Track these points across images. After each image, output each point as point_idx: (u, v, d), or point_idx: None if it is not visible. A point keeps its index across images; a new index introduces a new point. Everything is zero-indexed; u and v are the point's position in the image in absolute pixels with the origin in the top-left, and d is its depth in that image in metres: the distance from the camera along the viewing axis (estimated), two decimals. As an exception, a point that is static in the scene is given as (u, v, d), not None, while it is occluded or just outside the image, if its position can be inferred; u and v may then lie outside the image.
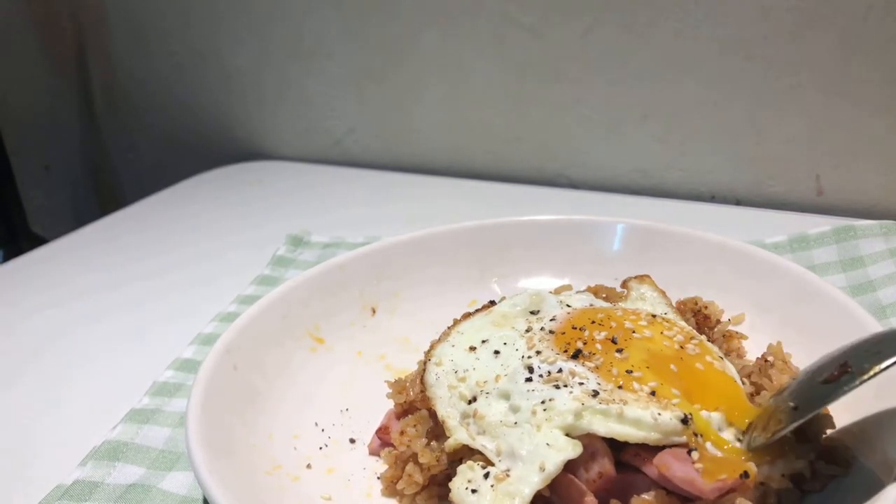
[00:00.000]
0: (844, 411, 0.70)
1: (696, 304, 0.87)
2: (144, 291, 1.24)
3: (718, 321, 0.87)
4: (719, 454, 0.63)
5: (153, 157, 2.11)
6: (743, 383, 0.73)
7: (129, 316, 1.17)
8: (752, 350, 0.83)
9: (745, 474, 0.61)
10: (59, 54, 2.09)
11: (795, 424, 0.61)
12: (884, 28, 1.16)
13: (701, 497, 0.61)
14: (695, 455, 0.62)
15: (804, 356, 0.79)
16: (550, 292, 0.90)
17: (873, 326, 0.75)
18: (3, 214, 1.94)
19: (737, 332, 0.85)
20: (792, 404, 0.62)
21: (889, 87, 1.19)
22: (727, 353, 0.80)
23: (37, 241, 1.58)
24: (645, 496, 0.62)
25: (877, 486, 0.60)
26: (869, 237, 1.01)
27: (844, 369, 0.60)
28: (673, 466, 0.62)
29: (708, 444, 0.64)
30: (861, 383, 0.58)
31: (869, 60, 1.19)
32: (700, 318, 0.86)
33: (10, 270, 1.40)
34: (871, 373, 0.58)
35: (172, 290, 1.24)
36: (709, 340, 0.80)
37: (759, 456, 0.63)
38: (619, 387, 0.68)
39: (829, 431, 0.68)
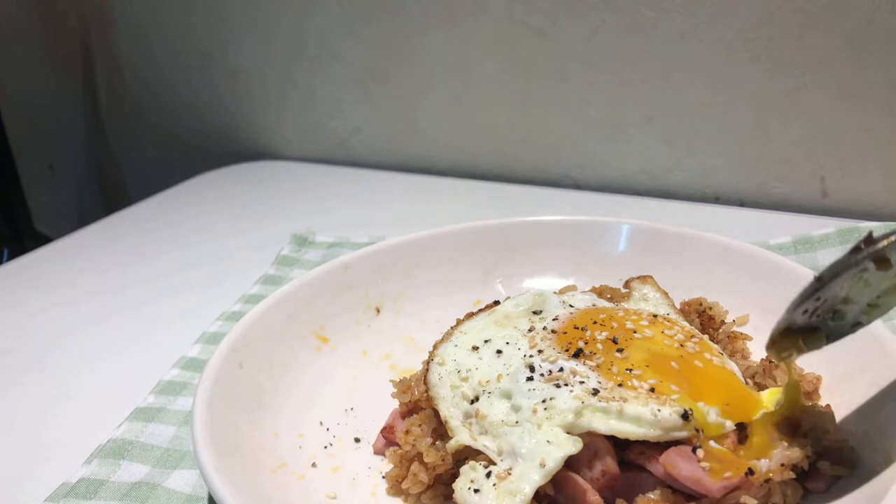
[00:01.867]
0: (849, 412, 0.71)
1: (701, 304, 0.88)
2: (149, 291, 1.25)
3: (723, 322, 0.87)
4: (722, 450, 0.63)
5: (158, 156, 2.12)
6: (747, 383, 0.73)
7: (134, 315, 1.17)
8: (757, 351, 0.83)
9: (751, 471, 0.61)
10: (64, 54, 2.09)
11: (819, 292, 0.61)
12: (889, 30, 1.16)
13: (707, 495, 0.61)
14: (700, 453, 0.62)
15: (807, 357, 0.79)
16: (554, 293, 0.90)
17: (877, 328, 0.75)
18: (7, 213, 1.95)
19: (741, 333, 0.85)
20: (817, 276, 0.61)
21: (894, 88, 1.19)
22: (732, 354, 0.80)
23: (41, 240, 1.58)
24: (650, 495, 0.63)
25: (881, 487, 0.61)
26: (874, 239, 1.01)
27: (868, 240, 0.59)
28: (679, 465, 0.62)
29: (710, 441, 0.64)
30: (886, 245, 0.58)
31: (874, 62, 1.19)
32: (704, 318, 0.86)
33: (15, 269, 1.40)
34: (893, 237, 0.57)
35: (177, 290, 1.24)
36: (713, 341, 0.80)
37: (756, 452, 0.64)
38: (620, 385, 0.68)
39: (830, 428, 0.68)
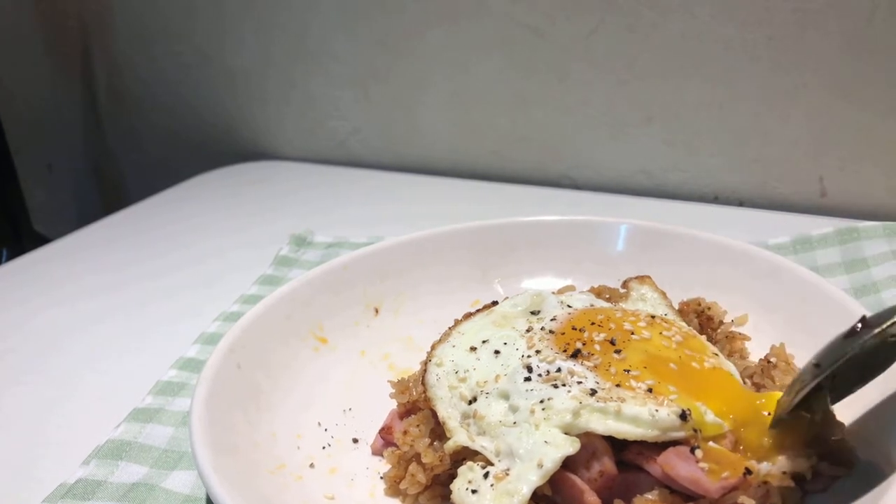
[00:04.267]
0: (848, 412, 0.70)
1: (700, 305, 0.87)
2: (147, 291, 1.24)
3: (721, 322, 0.87)
4: (721, 450, 0.63)
5: (156, 156, 2.12)
6: (745, 383, 0.73)
7: (132, 315, 1.17)
8: (756, 351, 0.83)
9: (748, 471, 0.61)
10: (63, 53, 2.09)
11: (818, 380, 0.62)
12: (888, 29, 1.16)
13: (705, 496, 0.61)
14: (698, 453, 0.62)
15: (807, 357, 0.78)
16: (553, 293, 0.90)
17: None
18: (6, 213, 1.94)
19: (740, 334, 0.85)
20: (814, 362, 0.63)
21: (893, 88, 1.19)
22: (730, 355, 0.80)
23: (40, 241, 1.57)
24: (648, 495, 0.63)
25: (880, 487, 0.60)
26: (872, 239, 1.01)
27: (864, 323, 0.61)
28: (677, 466, 0.62)
29: (709, 442, 0.64)
30: (881, 331, 0.60)
31: (874, 62, 1.19)
32: (703, 319, 0.86)
33: (13, 269, 1.40)
34: (889, 322, 0.60)
35: (175, 290, 1.24)
36: (712, 341, 0.80)
37: (760, 453, 0.64)
38: (617, 385, 0.68)
39: (832, 432, 0.68)
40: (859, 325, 0.61)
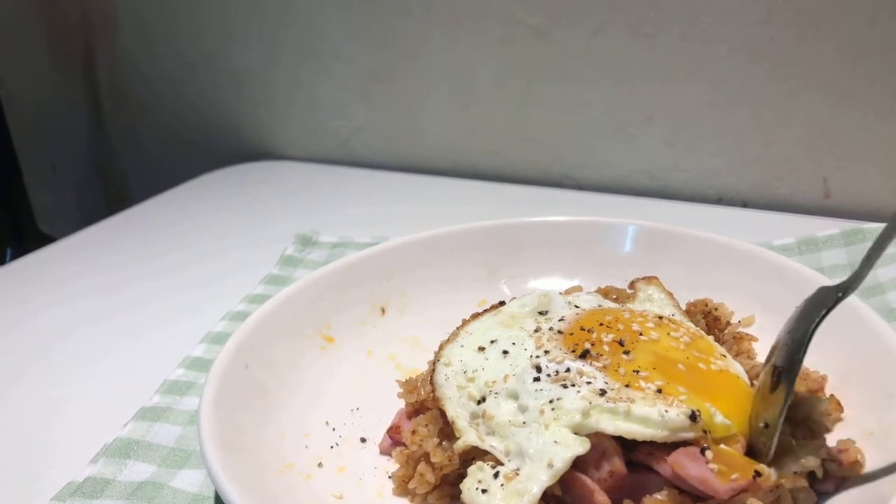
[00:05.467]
0: (854, 412, 0.71)
1: (706, 305, 0.88)
2: (153, 290, 1.25)
3: (728, 323, 0.87)
4: (731, 451, 0.64)
5: (160, 156, 2.12)
6: (752, 384, 0.73)
7: (138, 315, 1.17)
8: (762, 351, 0.83)
9: (758, 474, 0.61)
10: (66, 53, 2.09)
11: (776, 440, 0.64)
12: (891, 31, 1.16)
13: (714, 497, 0.61)
14: (708, 454, 0.63)
15: (812, 357, 0.78)
16: (560, 293, 0.90)
17: (882, 328, 0.75)
18: (10, 213, 1.95)
19: (747, 334, 0.85)
20: (762, 424, 0.66)
21: (895, 89, 1.19)
22: (737, 355, 0.81)
23: (44, 240, 1.57)
24: (657, 496, 0.63)
25: (889, 487, 0.61)
26: (877, 240, 1.01)
27: (777, 374, 0.66)
28: (687, 466, 0.62)
29: (721, 444, 0.64)
30: (794, 380, 0.65)
31: (876, 63, 1.19)
32: (710, 319, 0.86)
33: (18, 269, 1.40)
34: (797, 369, 0.65)
35: (180, 290, 1.24)
36: (719, 342, 0.80)
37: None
38: (627, 386, 0.68)
39: (835, 426, 0.69)
40: (774, 380, 0.66)
